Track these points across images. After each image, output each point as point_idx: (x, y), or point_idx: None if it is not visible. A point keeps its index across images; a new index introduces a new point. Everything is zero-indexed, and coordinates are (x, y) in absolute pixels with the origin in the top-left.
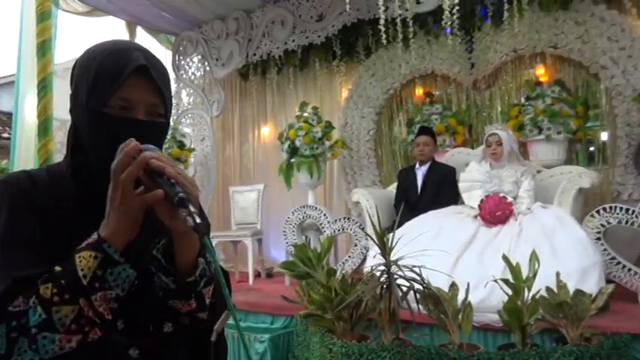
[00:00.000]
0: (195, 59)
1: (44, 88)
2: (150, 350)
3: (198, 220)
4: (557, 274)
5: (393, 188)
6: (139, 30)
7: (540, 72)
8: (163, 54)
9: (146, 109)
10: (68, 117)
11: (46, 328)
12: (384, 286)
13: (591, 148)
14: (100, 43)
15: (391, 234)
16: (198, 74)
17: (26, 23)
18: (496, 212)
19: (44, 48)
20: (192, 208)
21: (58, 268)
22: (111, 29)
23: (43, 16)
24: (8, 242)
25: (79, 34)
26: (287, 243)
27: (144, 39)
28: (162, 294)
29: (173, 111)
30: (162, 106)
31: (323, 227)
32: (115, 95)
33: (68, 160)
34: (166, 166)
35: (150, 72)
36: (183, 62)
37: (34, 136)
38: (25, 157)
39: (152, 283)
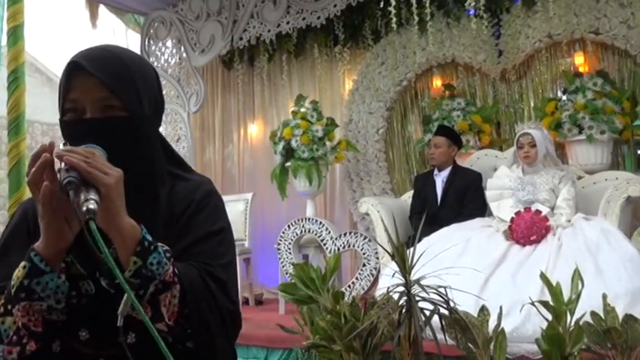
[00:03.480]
0: (169, 44)
1: (16, 80)
2: None
3: (90, 206)
4: (604, 297)
5: (407, 197)
6: (102, 10)
7: (580, 61)
8: (131, 39)
9: (96, 105)
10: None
11: None
12: (404, 310)
13: None
14: None
15: (411, 249)
16: (172, 62)
17: None
18: (530, 236)
19: (16, 35)
20: (86, 196)
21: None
22: (68, 9)
23: None
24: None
25: (30, 16)
26: (282, 263)
27: (107, 20)
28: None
29: None
30: (116, 99)
31: (325, 244)
32: (66, 101)
33: None
34: (67, 155)
35: (83, 66)
36: (154, 47)
37: None
38: None
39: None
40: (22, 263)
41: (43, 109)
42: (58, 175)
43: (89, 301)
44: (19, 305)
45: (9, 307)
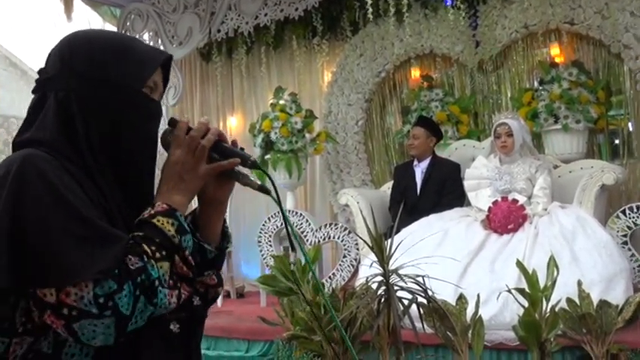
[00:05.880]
0: (146, 37)
1: None
2: (186, 324)
3: (259, 182)
4: (579, 283)
5: (387, 188)
6: (77, 2)
7: (555, 52)
8: None
9: (159, 96)
10: None
11: (160, 282)
12: (382, 299)
13: (616, 141)
14: (99, 30)
15: (389, 240)
16: None
17: None
18: (508, 225)
19: None
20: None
21: (139, 233)
22: (43, 2)
23: None
24: (84, 211)
25: (3, 10)
26: (262, 255)
27: (83, 13)
28: (198, 267)
29: None
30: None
31: (305, 236)
32: (151, 78)
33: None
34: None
35: (169, 64)
36: None
37: None
38: None
39: None
40: (166, 219)
41: (20, 105)
42: (233, 152)
43: None
44: (185, 251)
45: (164, 252)
